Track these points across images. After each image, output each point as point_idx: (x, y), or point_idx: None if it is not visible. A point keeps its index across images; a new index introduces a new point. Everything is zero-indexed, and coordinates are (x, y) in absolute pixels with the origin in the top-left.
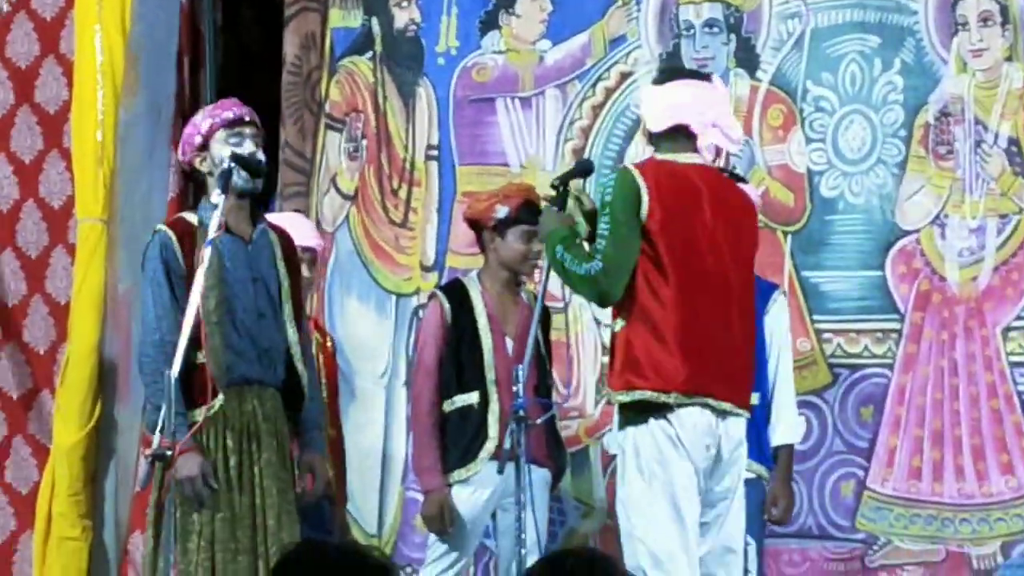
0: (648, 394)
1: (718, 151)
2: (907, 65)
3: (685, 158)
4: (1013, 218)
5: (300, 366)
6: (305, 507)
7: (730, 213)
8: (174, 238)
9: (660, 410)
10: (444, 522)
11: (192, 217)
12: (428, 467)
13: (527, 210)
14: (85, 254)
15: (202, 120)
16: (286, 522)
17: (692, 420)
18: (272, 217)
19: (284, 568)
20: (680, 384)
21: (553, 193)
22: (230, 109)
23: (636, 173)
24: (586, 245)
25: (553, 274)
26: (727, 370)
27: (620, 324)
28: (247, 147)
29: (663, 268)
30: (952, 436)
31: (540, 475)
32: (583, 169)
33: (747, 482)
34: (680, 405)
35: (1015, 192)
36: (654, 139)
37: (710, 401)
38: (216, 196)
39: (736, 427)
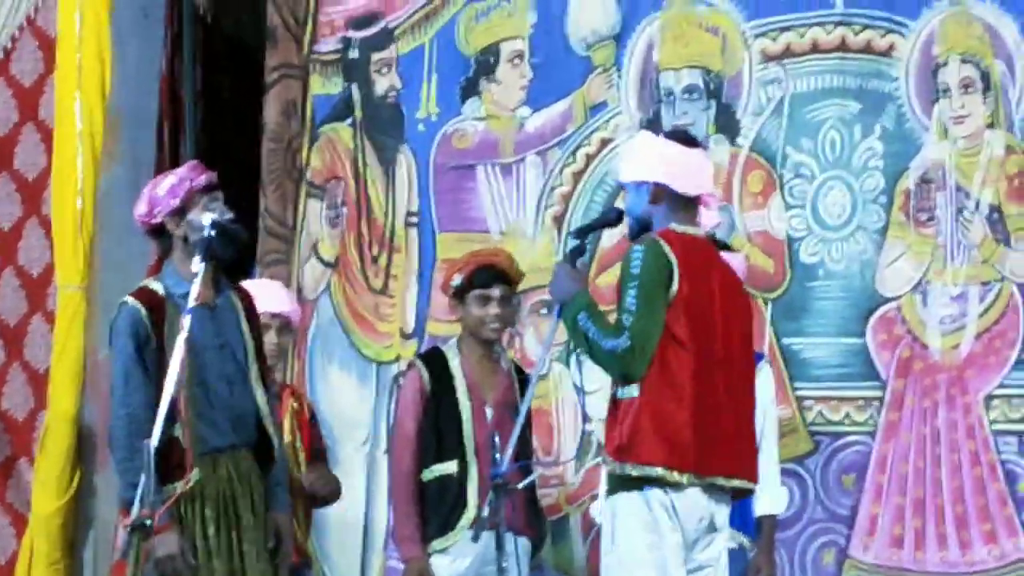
0: (658, 470)
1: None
2: (888, 131)
3: (696, 230)
4: (995, 285)
5: (269, 427)
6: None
7: (731, 288)
8: (143, 310)
9: (660, 483)
10: None
11: (156, 286)
12: (408, 536)
13: (481, 275)
14: (64, 321)
15: (178, 183)
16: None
17: (691, 495)
18: (248, 283)
19: None
20: (692, 464)
21: (574, 243)
22: (203, 173)
23: (666, 246)
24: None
25: (559, 336)
26: (736, 447)
27: (630, 392)
28: (223, 213)
29: (683, 342)
30: (934, 505)
31: (521, 544)
32: (609, 220)
33: (729, 552)
34: (690, 485)
35: (997, 259)
36: (676, 202)
37: (719, 481)
38: (196, 264)
39: (723, 508)
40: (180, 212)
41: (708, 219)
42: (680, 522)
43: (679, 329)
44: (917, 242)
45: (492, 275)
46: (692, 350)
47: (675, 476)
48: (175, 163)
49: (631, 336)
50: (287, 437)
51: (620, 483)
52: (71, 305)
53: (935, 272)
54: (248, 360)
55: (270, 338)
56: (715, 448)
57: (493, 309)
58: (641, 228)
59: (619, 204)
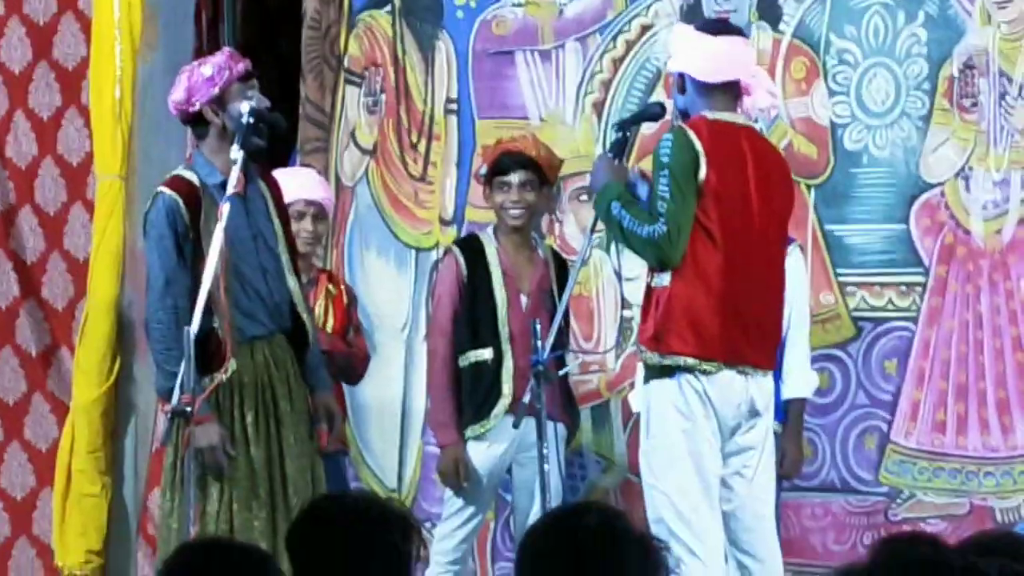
0: (688, 360)
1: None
2: (931, 17)
3: (731, 117)
4: None
5: (303, 313)
6: (324, 459)
7: (770, 174)
8: (179, 199)
9: (692, 370)
10: (459, 477)
11: (190, 175)
12: (443, 422)
13: (502, 161)
14: (104, 211)
15: (216, 72)
16: (306, 466)
17: (724, 381)
18: (283, 171)
19: (305, 523)
20: (720, 353)
21: (617, 135)
22: (240, 61)
23: (693, 135)
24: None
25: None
26: (762, 333)
27: (662, 281)
28: (260, 101)
29: (712, 232)
30: (976, 389)
31: (558, 430)
32: (652, 114)
33: None
34: (715, 371)
35: None
36: (701, 90)
37: (746, 368)
38: (235, 151)
39: (767, 382)
40: (218, 100)
41: (760, 102)
42: (715, 408)
43: (707, 218)
44: (960, 128)
45: (512, 161)
46: (721, 239)
47: (704, 366)
48: (214, 53)
49: (667, 221)
50: (319, 320)
51: (654, 371)
52: (110, 194)
53: (978, 158)
54: (279, 248)
55: (305, 225)
56: (743, 336)
57: (513, 195)
58: (684, 118)
59: (659, 93)
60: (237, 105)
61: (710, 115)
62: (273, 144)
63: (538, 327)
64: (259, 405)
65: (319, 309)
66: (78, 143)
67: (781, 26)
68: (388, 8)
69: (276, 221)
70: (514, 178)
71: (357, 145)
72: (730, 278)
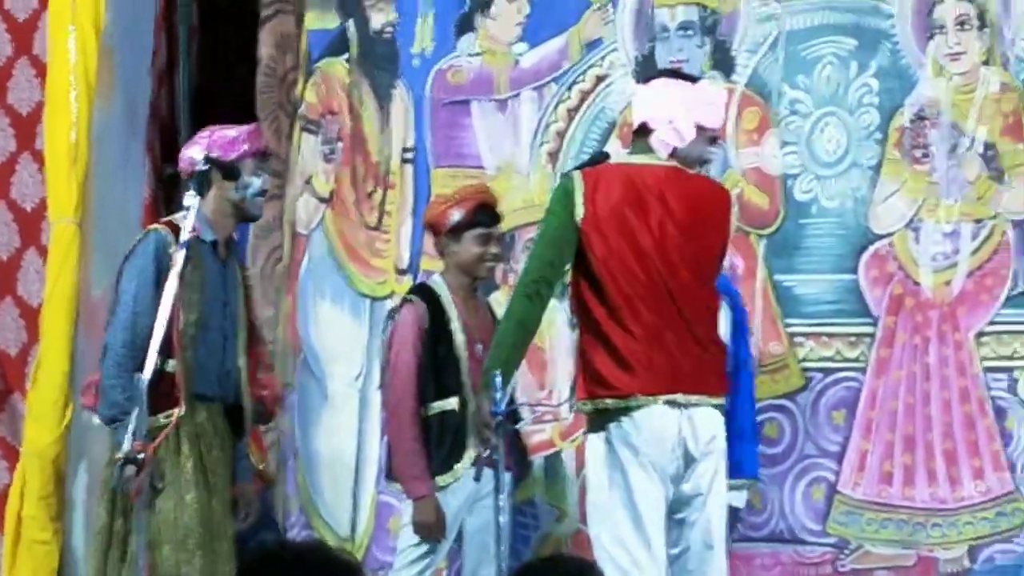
0: (608, 402)
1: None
2: (883, 68)
3: (642, 159)
4: (988, 223)
5: (244, 397)
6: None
7: (686, 210)
8: (171, 240)
9: (619, 416)
10: (440, 529)
11: (186, 223)
12: (417, 475)
13: (482, 213)
14: (58, 255)
15: (239, 139)
16: (229, 513)
17: (652, 423)
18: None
19: (253, 568)
20: (636, 388)
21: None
22: (262, 140)
23: (577, 176)
24: None
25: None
26: (688, 364)
27: (577, 332)
28: (266, 183)
29: (604, 275)
30: (924, 441)
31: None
32: (597, 162)
33: None
34: (640, 407)
35: (990, 197)
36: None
37: (678, 398)
38: (190, 198)
39: (706, 422)
40: (231, 166)
41: (666, 144)
42: (648, 456)
43: (597, 258)
44: (911, 179)
45: (492, 213)
46: (615, 279)
47: (622, 403)
48: (171, 98)
49: (528, 258)
50: None
51: (589, 425)
52: (64, 239)
53: (928, 209)
54: (240, 325)
55: None
56: (662, 367)
57: (494, 248)
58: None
59: (613, 143)
60: (247, 178)
61: (616, 160)
62: None
63: (497, 380)
64: (197, 457)
65: None
66: (32, 188)
67: (734, 76)
68: (345, 56)
69: (242, 307)
70: (497, 231)
71: (313, 193)
72: (632, 315)
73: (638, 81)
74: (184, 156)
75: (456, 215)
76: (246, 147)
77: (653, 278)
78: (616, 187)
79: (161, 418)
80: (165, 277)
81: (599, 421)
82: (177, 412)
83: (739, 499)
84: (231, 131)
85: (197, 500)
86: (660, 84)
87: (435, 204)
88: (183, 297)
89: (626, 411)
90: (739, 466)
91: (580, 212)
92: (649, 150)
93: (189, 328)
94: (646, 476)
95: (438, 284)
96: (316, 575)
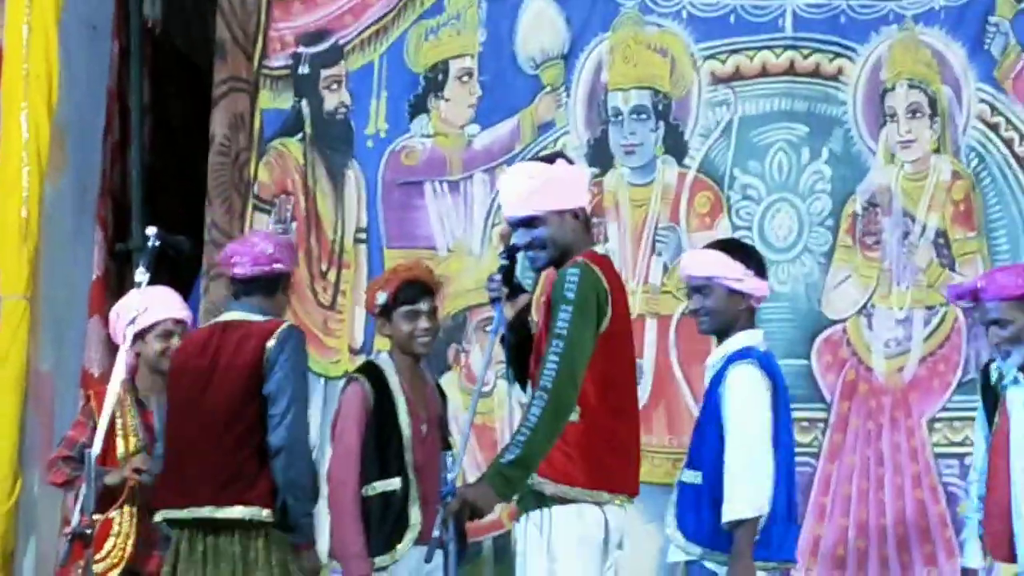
0: (588, 493)
1: None
2: (835, 155)
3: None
4: (940, 310)
5: None
6: None
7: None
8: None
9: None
10: None
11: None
12: (358, 553)
13: (407, 290)
14: (8, 331)
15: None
16: None
17: (615, 514)
18: (147, 290)
19: None
20: (615, 484)
21: (504, 262)
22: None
23: (599, 272)
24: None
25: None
26: (638, 464)
27: (572, 417)
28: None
29: (615, 371)
30: (877, 526)
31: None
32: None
33: (687, 564)
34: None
35: (942, 284)
36: (583, 222)
37: (627, 495)
38: (140, 274)
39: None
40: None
41: None
42: (610, 544)
43: (609, 358)
44: (863, 265)
45: (418, 289)
46: (619, 377)
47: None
48: (123, 175)
49: (560, 363)
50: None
51: (546, 499)
52: (15, 315)
53: (880, 296)
54: None
55: (174, 343)
56: (631, 469)
57: (423, 323)
58: (562, 258)
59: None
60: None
61: (600, 248)
62: (177, 268)
63: (449, 459)
64: None
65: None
66: None
67: (686, 160)
68: (300, 136)
69: None
70: (423, 306)
71: None
72: (629, 414)
73: (590, 164)
74: (251, 254)
75: (381, 296)
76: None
77: (633, 373)
78: (619, 284)
79: None
80: None
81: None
82: None
83: None
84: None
85: None
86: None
87: (368, 287)
88: None
89: (597, 500)
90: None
91: (609, 314)
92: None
93: None
94: (604, 562)
95: (384, 362)
96: None
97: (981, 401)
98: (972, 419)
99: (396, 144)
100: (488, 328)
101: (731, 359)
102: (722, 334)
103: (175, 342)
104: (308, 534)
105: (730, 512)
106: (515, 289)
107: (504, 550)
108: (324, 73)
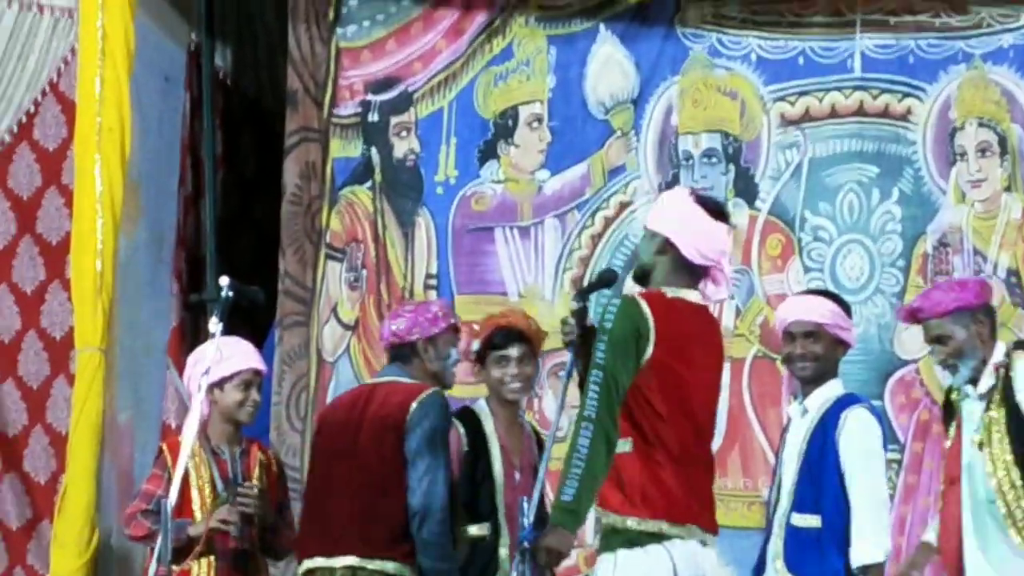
0: (648, 523)
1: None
2: (905, 195)
3: (690, 295)
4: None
5: None
6: None
7: (713, 351)
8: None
9: (656, 538)
10: None
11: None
12: None
13: (498, 336)
14: (84, 383)
15: (440, 316)
16: None
17: (683, 550)
18: (225, 340)
19: None
20: (675, 515)
21: (577, 306)
22: (454, 317)
23: (646, 308)
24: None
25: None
26: (708, 501)
27: (623, 448)
28: (455, 356)
29: (656, 405)
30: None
31: None
32: (607, 280)
33: None
34: (672, 535)
35: (1014, 322)
36: (678, 263)
37: (697, 529)
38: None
39: (710, 558)
40: (431, 339)
41: (718, 294)
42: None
43: (651, 391)
44: None
45: (509, 335)
46: (666, 413)
47: (662, 527)
48: (197, 226)
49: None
50: (259, 485)
51: (618, 541)
52: (90, 367)
53: None
54: None
55: (253, 395)
56: (699, 506)
57: (512, 369)
58: (643, 275)
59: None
60: (446, 349)
61: (669, 292)
62: (252, 318)
63: (525, 505)
64: None
65: (256, 477)
66: (61, 317)
67: (757, 203)
68: (369, 184)
69: None
70: (513, 352)
71: (339, 321)
72: (680, 445)
73: None
74: (389, 327)
75: (475, 343)
76: (443, 323)
77: (698, 415)
78: (677, 325)
79: None
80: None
81: (632, 538)
82: None
83: None
84: (434, 306)
85: None
86: (727, 231)
87: (466, 334)
88: None
89: (662, 535)
90: None
91: (651, 349)
92: (696, 287)
93: None
94: None
95: (481, 408)
96: None
97: (943, 422)
98: None
99: (466, 190)
100: (561, 373)
101: (843, 404)
102: (816, 380)
103: (254, 393)
104: None
105: (864, 556)
106: (588, 332)
107: None
108: (393, 120)
